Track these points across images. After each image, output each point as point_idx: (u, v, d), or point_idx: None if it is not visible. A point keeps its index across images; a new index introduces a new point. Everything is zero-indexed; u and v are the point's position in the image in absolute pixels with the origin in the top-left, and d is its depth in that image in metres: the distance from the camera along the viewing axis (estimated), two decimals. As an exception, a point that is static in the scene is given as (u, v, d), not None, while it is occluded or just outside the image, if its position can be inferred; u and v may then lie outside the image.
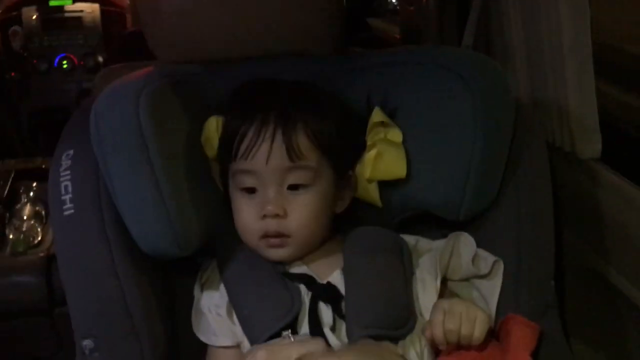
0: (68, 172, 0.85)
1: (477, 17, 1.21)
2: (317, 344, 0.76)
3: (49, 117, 2.28)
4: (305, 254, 0.89)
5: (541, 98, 1.06)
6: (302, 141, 0.84)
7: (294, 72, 0.95)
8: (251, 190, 0.86)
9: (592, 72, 0.99)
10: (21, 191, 1.53)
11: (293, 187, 0.85)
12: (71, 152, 0.86)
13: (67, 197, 0.84)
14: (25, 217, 1.46)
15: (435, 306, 0.83)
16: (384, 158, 0.91)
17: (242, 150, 0.84)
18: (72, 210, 0.84)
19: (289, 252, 0.87)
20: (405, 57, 0.97)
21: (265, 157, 0.83)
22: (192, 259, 0.91)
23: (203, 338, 0.89)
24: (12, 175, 1.55)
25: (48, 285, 1.32)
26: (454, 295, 0.92)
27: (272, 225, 0.85)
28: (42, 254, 1.37)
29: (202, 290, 0.92)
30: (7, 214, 1.44)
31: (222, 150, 0.89)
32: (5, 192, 1.48)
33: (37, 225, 1.43)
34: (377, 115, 0.92)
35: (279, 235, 0.85)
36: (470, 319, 0.80)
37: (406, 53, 1.00)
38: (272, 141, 0.83)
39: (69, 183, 0.84)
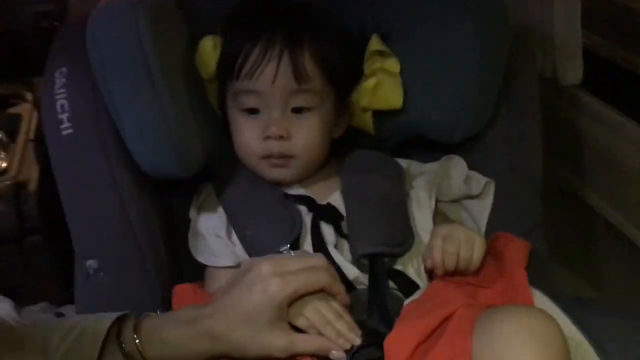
0: (63, 90, 0.82)
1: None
2: (318, 258, 0.77)
3: (1, 42, 2.15)
4: (305, 177, 0.90)
5: (526, 25, 1.07)
6: (309, 64, 0.84)
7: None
8: (254, 111, 0.86)
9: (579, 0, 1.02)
10: (-15, 118, 1.46)
11: (297, 110, 0.85)
12: (64, 69, 0.83)
13: (64, 116, 0.82)
14: (-10, 143, 1.41)
15: (434, 232, 0.85)
16: (381, 88, 0.92)
17: (246, 69, 0.83)
18: (71, 130, 0.82)
19: (291, 173, 0.88)
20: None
21: (271, 77, 0.83)
22: (188, 182, 0.91)
23: (202, 259, 0.89)
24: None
25: (17, 213, 1.29)
26: (443, 215, 0.95)
27: (275, 146, 0.85)
28: (9, 182, 1.32)
29: (198, 213, 0.91)
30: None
31: (221, 69, 0.87)
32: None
33: (3, 153, 1.38)
34: (375, 44, 0.92)
35: (282, 156, 0.86)
36: (469, 243, 0.82)
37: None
38: (279, 62, 0.83)
39: (65, 102, 0.82)
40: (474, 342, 0.68)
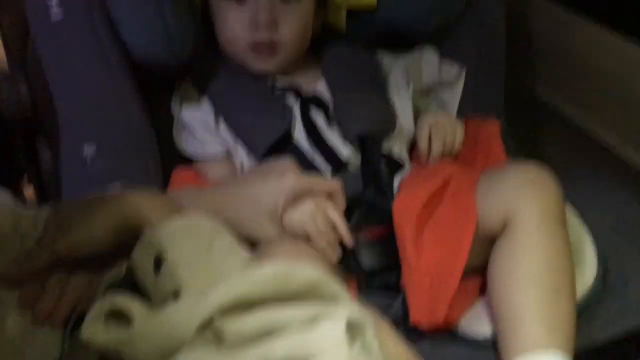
0: (50, -26, 0.79)
1: None
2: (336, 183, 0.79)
3: None
4: (288, 68, 0.92)
5: None
6: None
7: None
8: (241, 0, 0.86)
9: None
10: None
11: (283, 0, 0.87)
12: None
13: (54, 1, 0.79)
14: None
15: (421, 121, 0.91)
16: None
17: None
18: (61, 16, 0.79)
19: (277, 62, 0.89)
20: None
21: None
22: (170, 80, 0.91)
23: (190, 151, 0.90)
24: None
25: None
26: (416, 107, 1.00)
27: (264, 35, 0.86)
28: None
29: (181, 107, 0.92)
30: None
31: None
32: None
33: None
34: None
35: (270, 45, 0.87)
36: (453, 130, 0.90)
37: None
38: None
39: (54, -13, 0.78)
40: (479, 197, 0.75)
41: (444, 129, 0.89)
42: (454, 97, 1.01)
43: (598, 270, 0.76)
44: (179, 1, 0.83)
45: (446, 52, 1.01)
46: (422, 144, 0.89)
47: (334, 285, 0.54)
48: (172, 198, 0.73)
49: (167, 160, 0.90)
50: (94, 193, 0.69)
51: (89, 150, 0.80)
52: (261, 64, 0.89)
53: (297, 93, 0.91)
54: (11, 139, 1.35)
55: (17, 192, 1.27)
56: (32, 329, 0.61)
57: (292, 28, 0.88)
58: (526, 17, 1.12)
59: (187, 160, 0.91)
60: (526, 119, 1.13)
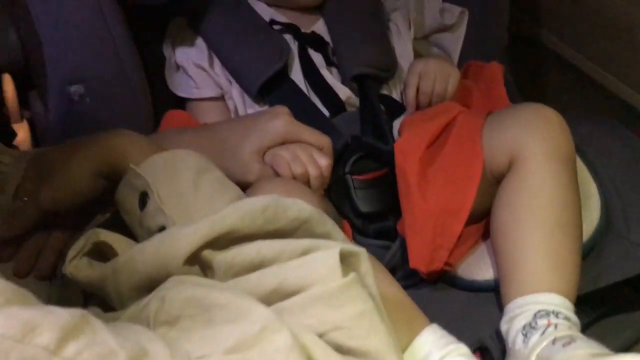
0: None
1: None
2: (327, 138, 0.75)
3: None
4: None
5: None
6: None
7: None
8: None
9: None
10: None
11: None
12: None
13: None
14: None
15: (411, 67, 0.87)
16: None
17: None
18: None
19: None
20: None
21: None
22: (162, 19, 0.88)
23: (182, 92, 0.87)
24: None
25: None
26: (416, 52, 0.97)
27: None
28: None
29: (173, 47, 0.88)
30: None
31: None
32: None
33: None
34: None
35: None
36: (444, 77, 0.85)
37: None
38: None
39: None
40: (485, 138, 0.72)
41: (434, 77, 0.85)
42: (456, 41, 0.97)
43: (602, 211, 0.73)
44: None
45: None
46: (409, 92, 0.85)
47: (327, 222, 0.52)
48: (158, 138, 0.71)
49: (160, 102, 0.87)
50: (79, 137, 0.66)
51: (77, 89, 0.77)
52: None
53: (296, 31, 0.87)
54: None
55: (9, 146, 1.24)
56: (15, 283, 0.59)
57: None
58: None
59: (180, 101, 0.88)
60: (529, 63, 1.10)
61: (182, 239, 0.47)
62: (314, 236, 0.50)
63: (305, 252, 0.46)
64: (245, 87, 0.84)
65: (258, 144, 0.71)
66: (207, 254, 0.47)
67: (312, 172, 0.71)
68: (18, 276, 0.61)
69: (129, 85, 0.80)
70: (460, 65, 0.96)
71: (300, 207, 0.50)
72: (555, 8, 1.09)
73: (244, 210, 0.48)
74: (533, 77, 1.12)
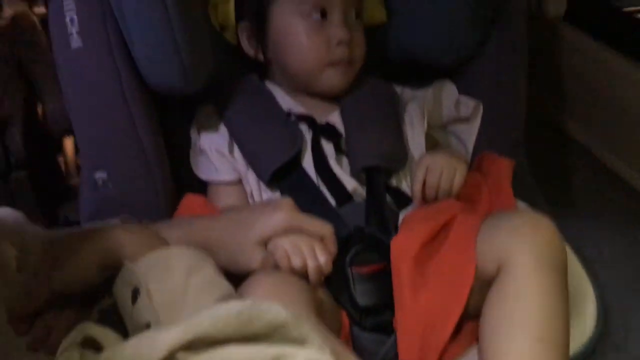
0: (72, 3, 0.83)
1: None
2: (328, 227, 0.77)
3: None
4: (306, 96, 0.93)
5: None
6: None
7: None
8: (322, 15, 0.88)
9: None
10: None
11: (355, 17, 0.90)
12: None
13: (74, 29, 0.83)
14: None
15: (418, 161, 0.89)
16: (365, 5, 0.96)
17: None
18: (80, 44, 0.83)
19: (348, 78, 0.92)
20: None
21: None
22: (187, 106, 0.94)
23: (203, 175, 0.93)
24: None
25: (3, 149, 1.29)
26: (434, 140, 1.00)
27: (345, 51, 0.88)
28: (-5, 115, 1.32)
29: (199, 131, 0.94)
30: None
31: None
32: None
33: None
34: None
35: (347, 61, 0.89)
36: (450, 172, 0.86)
37: None
38: None
39: (74, 16, 0.83)
40: (479, 243, 0.73)
41: (440, 171, 0.86)
42: (470, 132, 1.00)
43: (598, 321, 0.73)
44: (194, 31, 0.85)
45: (464, 86, 1.00)
46: (416, 186, 0.86)
47: (303, 326, 0.54)
48: (171, 226, 0.75)
49: (185, 182, 0.93)
50: (94, 223, 0.72)
51: (101, 175, 0.84)
52: (336, 81, 0.91)
53: (312, 122, 0.92)
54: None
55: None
56: (28, 355, 0.65)
57: (361, 44, 0.92)
58: (552, 48, 1.10)
59: (203, 182, 0.93)
60: (549, 151, 1.11)
61: (159, 341, 0.50)
62: (289, 340, 0.53)
63: (275, 359, 0.48)
64: (258, 174, 0.88)
65: (260, 235, 0.74)
66: (181, 356, 0.51)
67: (311, 265, 0.74)
68: (31, 350, 0.66)
69: (148, 171, 0.86)
70: (474, 155, 0.99)
71: (276, 312, 0.53)
72: (581, 97, 1.10)
73: (218, 316, 0.51)
74: (555, 166, 1.13)
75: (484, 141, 0.99)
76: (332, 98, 0.95)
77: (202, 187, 0.93)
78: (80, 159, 0.86)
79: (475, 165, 0.96)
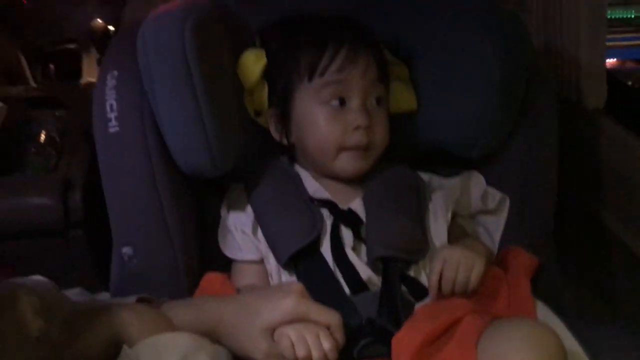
0: (114, 91, 0.90)
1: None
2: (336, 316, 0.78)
3: (59, 47, 2.27)
4: (329, 181, 0.96)
5: (553, 47, 1.11)
6: (382, 63, 0.94)
7: (320, 10, 0.99)
8: (342, 101, 0.91)
9: (605, 25, 1.05)
10: (36, 118, 1.56)
11: (375, 103, 0.93)
12: (115, 72, 0.91)
13: (113, 115, 0.89)
14: (42, 142, 1.50)
15: (436, 253, 0.88)
16: (394, 92, 0.99)
17: (338, 63, 0.91)
18: (117, 128, 0.89)
19: (367, 164, 0.94)
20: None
21: (362, 69, 0.91)
22: (221, 181, 0.98)
23: (228, 253, 0.96)
24: (25, 102, 1.58)
25: (64, 207, 1.37)
26: (461, 229, 0.99)
27: (364, 136, 0.91)
28: (58, 177, 1.40)
29: (228, 210, 0.98)
30: (23, 139, 1.47)
31: (289, 71, 0.94)
32: (21, 117, 1.51)
33: (54, 152, 1.47)
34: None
35: (366, 147, 0.92)
36: (468, 266, 0.85)
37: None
38: (368, 57, 0.92)
39: (114, 102, 0.89)
40: (479, 350, 0.72)
41: (457, 264, 0.85)
42: (497, 225, 0.99)
43: None
44: (224, 121, 0.90)
45: (492, 177, 1.00)
46: (432, 278, 0.86)
47: None
48: (179, 307, 0.78)
49: (215, 255, 0.96)
50: (113, 299, 0.76)
51: (127, 250, 0.89)
52: (355, 167, 0.93)
53: (333, 208, 0.94)
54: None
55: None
56: None
57: (382, 129, 0.94)
58: (590, 139, 1.08)
59: (228, 258, 0.96)
60: (583, 242, 1.08)
61: None
62: None
63: None
64: (276, 256, 0.91)
65: (267, 322, 0.76)
66: None
67: (316, 355, 0.74)
68: None
69: (172, 250, 0.90)
70: (501, 248, 0.98)
71: None
72: (618, 189, 1.07)
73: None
74: (588, 258, 1.09)
75: (511, 234, 0.98)
76: (357, 183, 0.96)
77: (229, 261, 0.96)
78: (113, 235, 0.91)
79: (499, 259, 0.95)
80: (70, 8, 2.30)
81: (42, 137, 1.52)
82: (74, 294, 0.95)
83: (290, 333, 0.75)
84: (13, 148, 1.42)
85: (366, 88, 0.92)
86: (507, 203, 0.98)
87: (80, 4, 2.30)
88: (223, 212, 0.99)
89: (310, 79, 0.92)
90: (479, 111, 0.95)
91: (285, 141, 0.98)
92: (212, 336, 0.75)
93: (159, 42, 0.86)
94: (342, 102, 0.92)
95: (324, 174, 0.96)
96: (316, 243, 0.90)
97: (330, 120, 0.91)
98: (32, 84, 2.29)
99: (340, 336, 0.77)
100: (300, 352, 0.74)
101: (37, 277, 0.86)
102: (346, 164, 0.93)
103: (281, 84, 0.95)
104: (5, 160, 1.41)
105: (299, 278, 0.89)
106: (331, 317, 0.77)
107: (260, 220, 0.94)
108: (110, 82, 0.90)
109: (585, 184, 1.09)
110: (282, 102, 0.95)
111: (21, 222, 1.37)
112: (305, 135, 0.94)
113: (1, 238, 1.38)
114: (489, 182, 1.00)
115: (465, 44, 0.95)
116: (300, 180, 0.97)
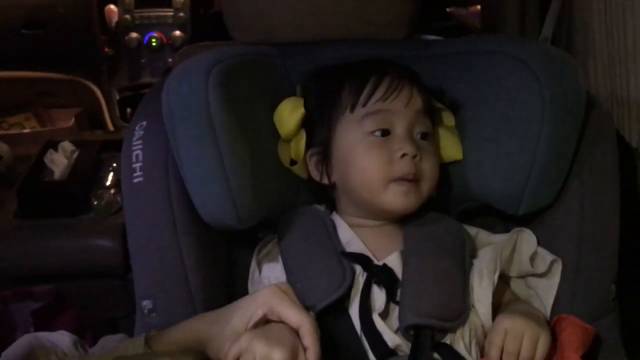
0: (140, 141, 0.89)
1: (558, 9, 1.17)
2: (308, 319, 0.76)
3: (137, 92, 2.37)
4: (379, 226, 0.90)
5: (619, 94, 1.02)
6: (427, 98, 0.91)
7: (364, 57, 0.96)
8: (385, 132, 0.87)
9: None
10: (105, 161, 1.62)
11: (421, 135, 0.89)
12: (144, 123, 0.91)
13: (138, 165, 0.89)
14: (108, 185, 1.55)
15: (496, 323, 0.81)
16: (440, 140, 0.93)
17: (381, 92, 0.88)
18: (141, 178, 0.88)
19: (417, 198, 0.88)
20: (473, 46, 0.97)
21: (407, 99, 0.88)
22: (254, 231, 0.94)
23: None
24: (99, 146, 1.63)
25: (124, 250, 1.39)
26: (511, 291, 0.91)
27: (411, 166, 0.86)
28: (120, 220, 1.43)
29: (261, 262, 0.93)
30: (92, 182, 1.52)
31: (329, 106, 0.91)
32: (91, 161, 1.57)
33: (118, 193, 1.51)
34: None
35: (414, 177, 0.86)
36: (533, 341, 0.78)
37: (474, 42, 0.99)
38: (412, 88, 0.89)
39: (140, 152, 0.89)
40: None
41: (521, 339, 0.78)
42: (549, 289, 0.89)
43: None
44: (247, 172, 0.86)
45: (544, 236, 0.91)
46: (492, 353, 0.78)
47: None
48: (170, 331, 0.80)
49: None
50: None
51: (147, 303, 0.87)
52: (401, 202, 0.87)
53: (367, 263, 0.87)
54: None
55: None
56: None
57: (432, 161, 0.89)
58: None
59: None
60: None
61: None
62: None
63: None
64: None
65: (237, 328, 0.75)
66: None
67: None
68: None
69: (192, 306, 0.87)
70: (553, 315, 0.88)
71: None
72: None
73: None
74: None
75: (565, 300, 0.88)
76: (396, 233, 0.90)
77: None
78: (135, 287, 0.90)
79: (550, 328, 0.86)
80: (149, 54, 2.42)
81: (109, 179, 1.57)
82: (117, 339, 0.96)
83: (242, 344, 0.72)
84: (82, 190, 1.48)
85: (411, 118, 0.88)
86: (560, 266, 0.88)
87: (158, 51, 2.41)
88: (253, 264, 0.95)
89: (352, 109, 0.88)
90: (525, 166, 0.87)
91: (326, 180, 0.92)
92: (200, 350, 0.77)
93: (183, 93, 0.85)
94: (387, 132, 0.87)
95: (371, 215, 0.90)
96: (344, 302, 0.84)
97: (373, 151, 0.87)
98: (111, 127, 2.42)
99: (310, 342, 0.73)
100: None
101: (62, 334, 0.87)
102: (395, 197, 0.86)
103: (323, 120, 0.91)
104: (73, 202, 1.46)
105: (323, 336, 0.83)
106: (302, 319, 0.74)
107: (288, 271, 0.89)
108: (138, 132, 0.90)
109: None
110: (324, 138, 0.91)
111: (82, 264, 1.42)
112: (348, 170, 0.89)
113: (63, 279, 1.43)
114: (540, 240, 0.90)
115: (514, 94, 0.89)
116: (335, 230, 0.91)
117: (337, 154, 0.90)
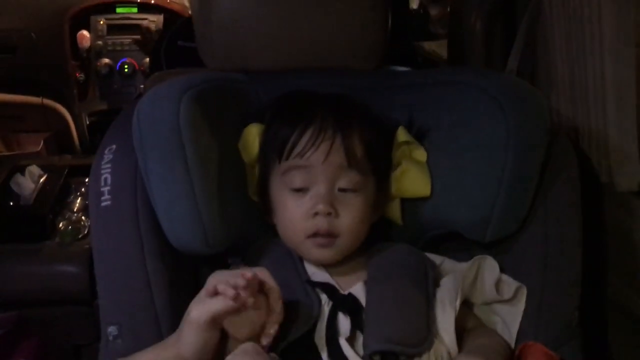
0: (109, 165, 0.89)
1: (522, 43, 1.21)
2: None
3: (107, 118, 2.36)
4: (343, 258, 0.90)
5: (582, 126, 1.05)
6: (358, 147, 0.88)
7: (335, 86, 0.98)
8: (302, 190, 0.88)
9: (634, 106, 0.98)
10: (73, 186, 1.60)
11: (342, 190, 0.88)
12: (113, 146, 0.91)
13: (106, 188, 0.88)
14: (74, 210, 1.53)
15: None
16: (408, 176, 0.94)
17: (300, 148, 0.87)
18: (109, 202, 0.88)
19: (334, 252, 0.88)
20: (441, 77, 0.99)
21: (324, 154, 0.86)
22: (222, 257, 0.94)
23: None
24: (67, 170, 1.62)
25: (90, 276, 1.37)
26: (476, 319, 0.91)
27: (323, 223, 0.86)
28: (87, 246, 1.42)
29: None
30: (59, 206, 1.50)
31: (268, 151, 0.91)
32: (59, 185, 1.55)
33: (85, 218, 1.49)
34: (401, 135, 0.95)
35: (328, 234, 0.87)
36: None
37: (441, 73, 1.02)
38: (333, 142, 0.87)
39: (109, 175, 0.88)
40: None
41: None
42: (514, 316, 0.90)
43: None
44: (216, 197, 0.87)
45: (508, 264, 0.92)
46: None
47: None
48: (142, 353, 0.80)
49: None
50: None
51: (112, 330, 0.85)
52: (318, 255, 0.88)
53: (332, 292, 0.88)
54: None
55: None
56: None
57: (350, 218, 0.88)
58: (621, 222, 0.99)
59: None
60: (612, 336, 0.97)
61: None
62: None
63: None
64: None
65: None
66: None
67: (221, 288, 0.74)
68: None
69: (159, 331, 0.85)
70: (519, 341, 0.89)
71: None
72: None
73: None
74: (619, 354, 0.98)
75: (530, 326, 0.89)
76: (360, 264, 0.91)
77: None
78: (100, 313, 0.89)
79: (515, 355, 0.87)
80: (120, 80, 2.42)
81: (77, 204, 1.55)
82: None
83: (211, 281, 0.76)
84: (47, 215, 1.46)
85: (329, 173, 0.87)
86: (524, 292, 0.90)
87: (130, 77, 2.41)
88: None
89: (279, 161, 0.89)
90: (491, 195, 0.89)
91: (270, 220, 0.94)
92: None
93: (154, 117, 0.85)
94: (305, 189, 0.87)
95: None
96: (311, 332, 0.84)
97: (293, 207, 0.88)
98: (80, 152, 2.40)
99: (273, 284, 0.79)
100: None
101: None
102: (312, 251, 0.88)
103: (263, 162, 0.92)
104: (39, 227, 1.44)
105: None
106: (252, 270, 0.78)
107: None
108: (107, 155, 0.90)
109: (617, 271, 0.99)
110: (263, 181, 0.93)
111: (47, 290, 1.39)
112: (278, 219, 0.91)
113: (27, 305, 1.40)
114: (504, 268, 0.91)
115: (480, 124, 0.91)
116: (301, 262, 0.92)
117: (272, 199, 0.92)
